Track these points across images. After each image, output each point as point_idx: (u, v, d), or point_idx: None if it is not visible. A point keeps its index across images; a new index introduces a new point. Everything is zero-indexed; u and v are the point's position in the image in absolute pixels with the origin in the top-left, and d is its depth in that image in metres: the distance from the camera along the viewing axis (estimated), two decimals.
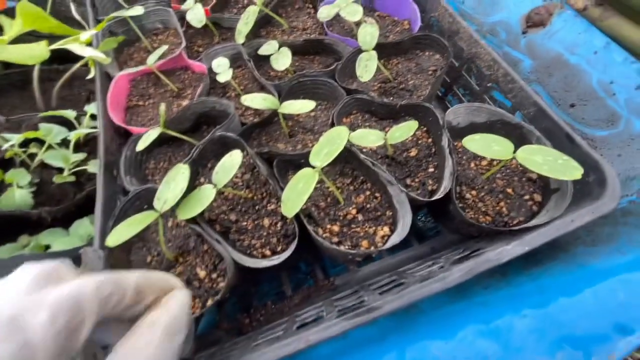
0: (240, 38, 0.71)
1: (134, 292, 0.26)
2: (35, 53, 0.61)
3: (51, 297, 0.22)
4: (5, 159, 0.58)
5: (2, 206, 0.53)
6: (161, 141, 0.65)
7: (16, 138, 0.55)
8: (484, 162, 0.59)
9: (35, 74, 0.66)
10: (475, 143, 0.47)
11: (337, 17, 0.73)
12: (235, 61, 0.76)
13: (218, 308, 0.62)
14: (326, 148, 0.48)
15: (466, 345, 0.40)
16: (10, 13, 0.77)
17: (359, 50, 0.61)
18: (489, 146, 0.47)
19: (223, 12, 0.85)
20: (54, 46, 0.64)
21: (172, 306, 0.27)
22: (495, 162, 0.58)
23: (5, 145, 0.54)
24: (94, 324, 0.23)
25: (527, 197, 0.53)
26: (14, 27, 0.67)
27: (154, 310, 0.27)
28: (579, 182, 0.49)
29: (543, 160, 0.44)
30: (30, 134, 0.56)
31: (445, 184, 0.51)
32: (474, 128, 0.60)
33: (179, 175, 0.45)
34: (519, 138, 0.54)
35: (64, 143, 0.61)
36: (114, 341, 0.25)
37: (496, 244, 0.47)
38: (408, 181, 0.57)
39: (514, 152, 0.46)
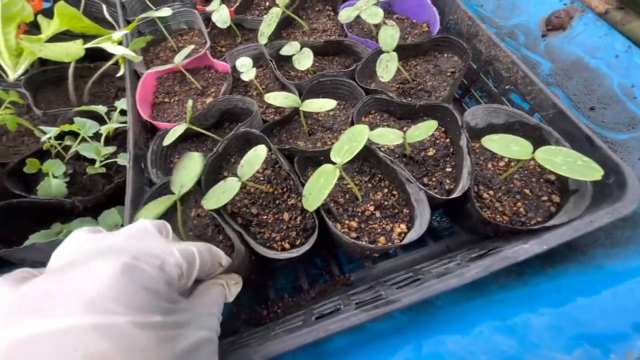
0: (262, 39, 0.73)
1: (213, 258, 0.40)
2: (72, 51, 0.65)
3: (178, 248, 0.34)
4: (42, 150, 0.61)
5: (40, 195, 0.56)
6: (186, 137, 0.67)
7: (54, 131, 0.58)
8: (501, 163, 0.59)
9: (71, 71, 0.70)
10: (494, 143, 0.48)
11: (356, 19, 0.74)
12: (257, 61, 0.78)
13: (236, 299, 0.64)
14: (347, 145, 0.50)
15: (483, 341, 0.41)
16: (45, 13, 0.81)
17: (379, 52, 0.63)
18: (508, 146, 0.48)
19: (245, 13, 0.88)
20: (89, 45, 0.67)
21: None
22: (512, 163, 0.58)
23: (44, 137, 0.57)
24: (194, 277, 0.36)
25: (544, 198, 0.53)
26: (51, 27, 0.71)
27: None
28: (599, 184, 0.49)
29: (562, 161, 0.45)
30: (67, 127, 0.59)
31: (464, 183, 0.52)
32: (492, 129, 0.60)
33: (191, 161, 0.47)
34: (538, 139, 0.55)
35: (95, 136, 0.65)
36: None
37: (513, 243, 0.48)
38: (425, 180, 0.58)
39: (533, 152, 0.46)
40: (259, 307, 0.61)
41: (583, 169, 0.43)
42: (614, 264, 0.47)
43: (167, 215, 0.57)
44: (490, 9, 0.80)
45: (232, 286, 0.44)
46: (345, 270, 0.66)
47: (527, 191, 0.55)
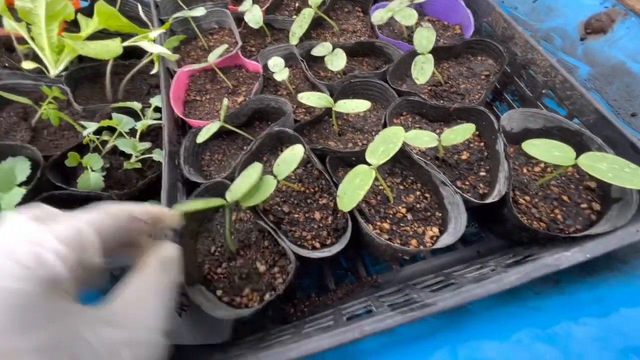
0: (294, 39, 0.74)
1: (130, 218, 0.31)
2: (111, 49, 0.67)
3: (57, 232, 0.25)
4: (81, 144, 0.63)
5: (79, 187, 0.58)
6: (216, 134, 0.68)
7: (94, 125, 0.60)
8: (537, 169, 0.58)
9: (109, 68, 0.72)
10: (535, 148, 0.47)
11: (387, 20, 0.74)
12: (287, 61, 0.78)
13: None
14: (382, 147, 0.50)
15: (522, 348, 0.40)
16: (83, 12, 0.84)
17: (413, 53, 0.63)
18: (549, 151, 0.47)
19: (275, 14, 0.88)
20: (127, 43, 0.69)
21: (163, 252, 0.33)
22: (549, 169, 0.57)
23: (85, 132, 0.59)
24: (98, 247, 0.28)
25: (584, 205, 0.52)
26: (90, 25, 0.74)
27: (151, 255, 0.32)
28: None
29: (608, 168, 0.43)
30: (106, 123, 0.61)
31: (500, 188, 0.51)
32: (528, 134, 0.59)
33: (253, 171, 0.48)
34: (578, 145, 0.53)
35: (130, 132, 0.66)
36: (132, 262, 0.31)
37: (552, 251, 0.47)
38: (458, 184, 0.58)
39: (575, 158, 0.45)
40: (285, 305, 0.62)
41: (631, 177, 0.42)
42: None
43: (208, 217, 0.58)
44: (525, 11, 0.79)
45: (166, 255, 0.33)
46: (371, 272, 0.66)
47: (565, 198, 0.53)
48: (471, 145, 0.60)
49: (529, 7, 0.78)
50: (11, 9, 0.69)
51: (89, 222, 0.28)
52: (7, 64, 0.74)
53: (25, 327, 0.21)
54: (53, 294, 0.23)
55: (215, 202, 0.46)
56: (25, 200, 0.54)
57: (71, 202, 0.60)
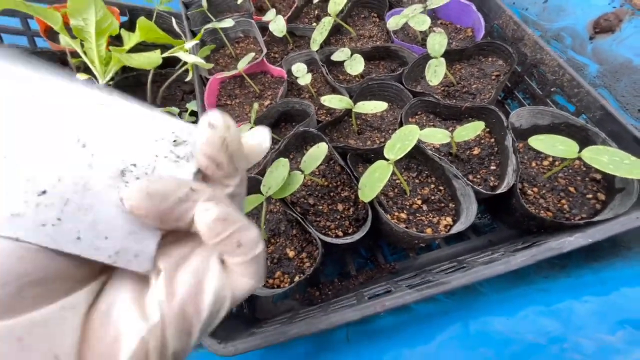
0: (315, 46, 0.80)
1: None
2: (152, 60, 0.75)
3: None
4: None
5: None
6: None
7: None
8: (546, 162, 0.62)
9: (150, 77, 0.80)
10: (540, 142, 0.51)
11: (402, 25, 0.79)
12: (308, 66, 0.84)
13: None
14: (399, 143, 0.55)
15: (528, 322, 0.45)
16: (123, 26, 0.93)
17: (426, 57, 0.67)
18: (554, 145, 0.51)
19: (296, 22, 0.95)
20: (166, 54, 0.77)
21: None
22: (557, 162, 0.61)
23: None
24: None
25: (590, 195, 0.56)
26: (132, 38, 0.82)
27: None
28: None
29: (609, 160, 0.47)
30: None
31: (509, 180, 0.56)
32: (536, 130, 0.63)
33: (280, 166, 0.54)
34: (584, 140, 0.57)
35: None
36: None
37: (556, 237, 0.51)
38: (470, 177, 0.62)
39: (579, 152, 0.49)
40: (311, 288, 0.68)
41: (630, 168, 0.46)
42: None
43: (251, 211, 0.65)
44: (536, 12, 0.82)
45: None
46: (390, 260, 0.71)
47: (571, 189, 0.57)
48: (482, 141, 0.65)
49: (539, 7, 0.81)
50: (65, 28, 0.78)
51: None
52: None
53: None
54: None
55: (257, 200, 0.53)
56: None
57: None
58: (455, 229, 0.54)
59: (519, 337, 0.42)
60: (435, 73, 0.63)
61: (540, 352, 0.40)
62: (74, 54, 0.82)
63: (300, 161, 0.57)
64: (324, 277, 0.72)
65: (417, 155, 0.65)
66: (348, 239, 0.57)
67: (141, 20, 0.79)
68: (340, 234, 0.61)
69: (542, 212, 0.56)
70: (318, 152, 0.56)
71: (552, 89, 0.67)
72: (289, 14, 0.91)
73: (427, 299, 0.47)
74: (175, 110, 0.76)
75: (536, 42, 0.67)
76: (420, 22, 0.70)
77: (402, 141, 0.55)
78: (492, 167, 0.62)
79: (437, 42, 0.65)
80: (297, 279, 0.57)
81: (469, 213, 0.54)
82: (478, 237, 0.68)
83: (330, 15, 0.79)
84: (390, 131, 0.70)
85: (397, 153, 0.54)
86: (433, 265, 0.64)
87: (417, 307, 0.56)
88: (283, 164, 0.55)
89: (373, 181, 0.53)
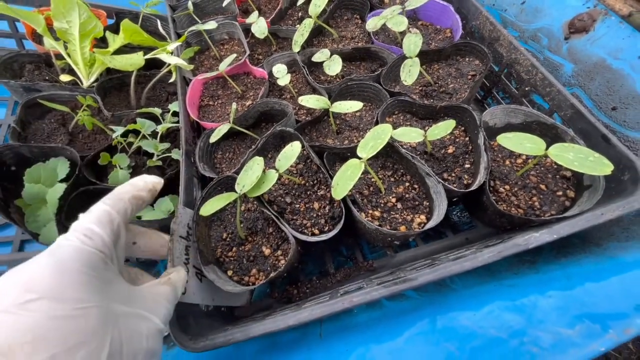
0: (296, 47, 0.81)
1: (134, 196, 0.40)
2: (135, 61, 0.76)
3: (89, 219, 0.34)
4: (110, 145, 0.72)
5: (110, 183, 0.67)
6: (227, 135, 0.76)
7: (122, 129, 0.69)
8: (519, 160, 0.63)
9: (133, 78, 0.81)
10: (508, 140, 0.52)
11: (383, 26, 0.80)
12: (290, 67, 0.86)
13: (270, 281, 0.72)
14: (372, 142, 0.56)
15: (493, 318, 0.46)
16: (110, 29, 0.94)
17: (403, 57, 0.68)
18: (521, 143, 0.52)
19: (280, 24, 0.96)
20: (148, 56, 0.78)
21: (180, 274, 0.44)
22: (530, 160, 0.61)
23: (115, 135, 0.68)
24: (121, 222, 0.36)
25: (559, 193, 0.56)
26: (116, 41, 0.83)
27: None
28: (614, 179, 0.52)
29: (574, 157, 0.48)
30: (132, 126, 0.70)
31: (480, 177, 0.56)
32: (510, 128, 0.64)
33: (255, 165, 0.55)
34: (554, 138, 0.58)
35: (152, 134, 0.75)
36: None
37: (523, 233, 0.52)
38: (445, 175, 0.63)
39: (546, 149, 0.50)
40: (290, 287, 0.68)
41: (594, 165, 0.47)
42: (626, 255, 0.50)
43: (224, 208, 0.66)
44: (514, 13, 0.83)
45: (178, 281, 0.42)
46: (368, 259, 0.72)
47: (542, 186, 0.58)
48: (457, 140, 0.65)
49: (517, 9, 0.82)
50: (50, 30, 0.80)
51: (113, 203, 0.36)
52: (47, 77, 0.84)
53: (91, 284, 0.28)
54: (106, 262, 0.32)
55: (229, 197, 0.54)
56: (65, 194, 0.63)
57: (103, 195, 0.69)
58: (428, 226, 0.55)
59: (482, 332, 0.43)
60: (410, 73, 0.64)
61: (500, 345, 0.40)
62: (59, 56, 0.83)
63: None
64: (304, 275, 0.73)
65: (393, 154, 0.65)
66: (323, 237, 0.57)
67: (125, 23, 0.80)
68: (317, 232, 0.61)
69: (513, 209, 0.57)
70: (292, 151, 0.57)
71: (527, 88, 0.68)
72: (273, 15, 0.93)
73: (395, 294, 0.47)
74: (158, 111, 0.77)
75: (511, 43, 0.68)
76: (398, 23, 0.71)
77: (374, 140, 0.55)
78: (467, 166, 0.63)
79: (413, 43, 0.66)
80: (272, 274, 0.57)
81: (440, 210, 0.55)
82: (455, 235, 0.69)
83: (311, 17, 0.80)
84: (367, 130, 0.71)
85: (369, 152, 0.54)
86: (409, 263, 0.65)
87: (390, 304, 0.57)
88: (258, 162, 0.56)
89: (345, 179, 0.54)
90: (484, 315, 0.46)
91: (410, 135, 0.60)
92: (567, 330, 0.39)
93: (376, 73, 0.76)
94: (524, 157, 0.63)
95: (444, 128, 0.58)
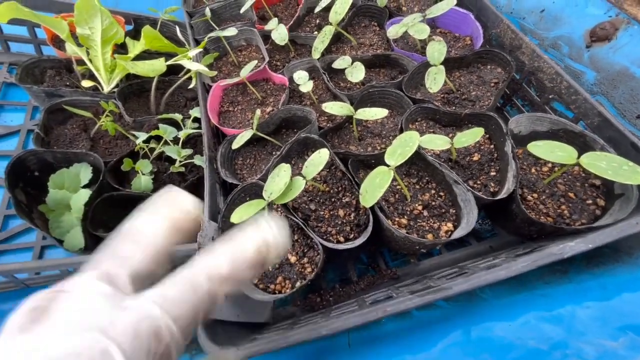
0: (316, 54, 0.81)
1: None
2: (156, 67, 0.76)
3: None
4: (132, 151, 0.72)
5: (133, 189, 0.66)
6: (248, 141, 0.76)
7: (145, 135, 0.69)
8: (545, 169, 0.63)
9: (154, 84, 0.82)
10: (539, 148, 0.52)
11: (402, 33, 0.80)
12: (310, 73, 0.86)
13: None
14: (399, 149, 0.56)
15: (529, 328, 0.45)
16: (129, 35, 0.94)
17: (426, 64, 0.69)
18: (552, 151, 0.51)
19: (297, 30, 0.96)
20: (170, 62, 0.78)
21: None
22: (556, 168, 0.61)
23: (138, 140, 0.68)
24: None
25: (589, 201, 0.56)
26: (137, 46, 0.84)
27: None
28: None
29: (607, 165, 0.48)
30: (155, 132, 0.70)
31: (509, 185, 0.56)
32: (535, 136, 0.64)
33: (282, 172, 0.55)
34: (582, 146, 0.58)
35: (173, 140, 0.75)
36: None
37: (557, 242, 0.51)
38: (470, 183, 0.63)
39: (578, 158, 0.50)
40: (312, 295, 0.68)
41: (628, 173, 0.46)
42: None
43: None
44: (533, 21, 0.84)
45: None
46: (391, 266, 0.71)
47: (571, 195, 0.58)
48: (482, 147, 0.65)
49: (537, 17, 0.83)
50: (72, 36, 0.80)
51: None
52: (68, 83, 0.85)
53: None
54: None
55: (258, 204, 0.54)
56: (90, 200, 0.63)
57: (125, 201, 0.69)
58: (456, 235, 0.55)
59: (520, 343, 0.42)
60: (435, 80, 0.64)
61: (543, 358, 0.40)
62: (80, 62, 0.83)
63: (302, 167, 0.58)
64: (325, 283, 0.72)
65: (418, 162, 0.65)
66: (349, 245, 0.57)
67: (146, 29, 0.80)
68: (342, 239, 0.61)
69: (542, 217, 0.56)
70: (320, 158, 0.57)
71: (550, 96, 0.68)
72: (291, 22, 0.93)
73: (428, 304, 0.47)
74: (179, 116, 0.77)
75: (534, 50, 0.69)
76: (420, 31, 0.72)
77: (402, 147, 0.55)
78: (492, 173, 0.63)
79: (437, 50, 0.66)
80: (298, 284, 0.57)
81: (470, 219, 0.54)
82: (479, 243, 0.69)
83: (331, 24, 0.81)
84: (390, 137, 0.71)
85: (397, 159, 0.54)
86: (434, 271, 0.64)
87: (418, 313, 0.56)
88: (285, 169, 0.56)
89: (374, 187, 0.53)
90: (520, 326, 0.46)
91: (436, 142, 0.59)
92: (611, 343, 0.38)
93: (397, 80, 0.76)
94: (550, 165, 0.62)
95: (471, 136, 0.58)
